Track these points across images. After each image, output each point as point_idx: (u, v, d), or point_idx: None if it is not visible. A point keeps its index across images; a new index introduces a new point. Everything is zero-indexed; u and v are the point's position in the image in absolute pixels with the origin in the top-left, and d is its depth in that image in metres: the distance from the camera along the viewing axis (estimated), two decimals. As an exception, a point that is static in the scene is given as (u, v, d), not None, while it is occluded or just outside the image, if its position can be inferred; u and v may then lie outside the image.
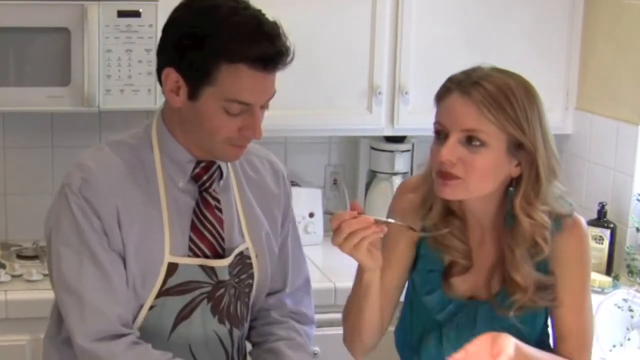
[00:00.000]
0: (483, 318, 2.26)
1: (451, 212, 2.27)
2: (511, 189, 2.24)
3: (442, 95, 2.19)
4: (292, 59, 2.13)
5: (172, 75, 2.13)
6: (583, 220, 2.29)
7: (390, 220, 2.16)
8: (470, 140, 2.13)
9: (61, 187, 2.19)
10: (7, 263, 3.56)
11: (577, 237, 2.26)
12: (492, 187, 2.20)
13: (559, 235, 2.24)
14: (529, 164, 2.17)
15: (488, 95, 2.12)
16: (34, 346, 3.29)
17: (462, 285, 2.29)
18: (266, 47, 2.08)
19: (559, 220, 2.23)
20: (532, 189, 2.18)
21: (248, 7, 2.13)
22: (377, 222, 2.13)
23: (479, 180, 2.16)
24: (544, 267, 2.25)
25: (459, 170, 2.14)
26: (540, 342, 2.32)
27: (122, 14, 3.40)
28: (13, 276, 3.45)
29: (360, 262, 2.20)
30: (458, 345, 2.21)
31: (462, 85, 2.15)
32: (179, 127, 2.21)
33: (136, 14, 3.41)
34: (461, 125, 2.13)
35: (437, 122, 2.19)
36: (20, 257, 3.64)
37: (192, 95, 2.12)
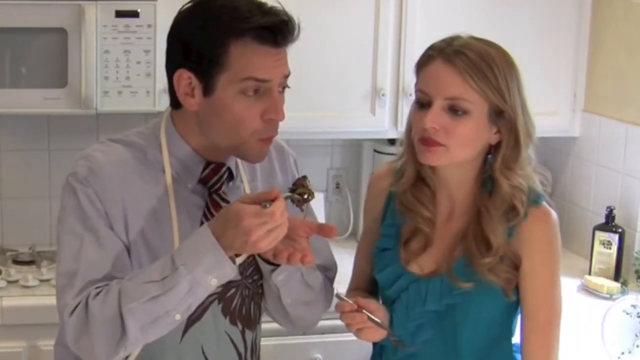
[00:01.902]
0: (432, 294, 2.31)
1: (422, 180, 2.35)
2: (489, 156, 2.31)
3: (424, 63, 2.26)
4: (298, 32, 2.15)
5: (183, 75, 2.14)
6: (553, 212, 2.33)
7: (377, 320, 2.27)
8: (453, 109, 2.21)
9: (66, 179, 2.20)
10: (3, 268, 3.56)
11: (544, 224, 2.30)
12: (472, 154, 2.27)
13: (525, 223, 2.28)
14: (508, 131, 2.25)
15: (471, 64, 2.19)
16: (30, 353, 3.29)
17: (423, 260, 2.34)
18: (270, 18, 2.11)
19: (527, 210, 2.28)
20: (510, 154, 2.27)
21: None
22: (370, 319, 2.26)
23: (461, 146, 2.23)
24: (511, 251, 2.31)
25: (440, 137, 2.21)
26: (494, 329, 2.34)
27: (120, 14, 3.40)
28: (9, 282, 3.45)
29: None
30: (407, 322, 2.32)
31: (444, 53, 2.22)
32: (196, 131, 2.20)
33: (134, 14, 3.41)
34: (445, 93, 2.21)
35: (419, 90, 2.26)
36: (16, 262, 3.64)
37: (207, 89, 2.13)
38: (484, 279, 2.26)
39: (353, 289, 2.50)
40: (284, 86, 2.18)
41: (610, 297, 3.53)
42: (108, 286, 2.09)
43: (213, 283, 2.04)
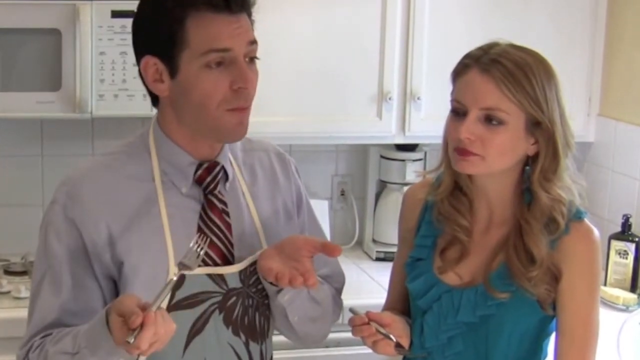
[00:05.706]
0: (466, 305, 2.31)
1: (460, 189, 2.36)
2: (527, 167, 2.32)
3: (460, 72, 2.27)
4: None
5: (149, 61, 2.16)
6: (595, 229, 2.32)
7: (384, 331, 2.28)
8: (489, 118, 2.22)
9: (50, 203, 2.24)
10: (-6, 279, 3.56)
11: (587, 241, 2.30)
12: (509, 164, 2.28)
13: (567, 238, 2.28)
14: (546, 141, 2.26)
15: (507, 73, 2.21)
16: (22, 367, 3.28)
17: (459, 270, 2.34)
18: None
19: (569, 224, 2.28)
20: (549, 165, 2.27)
21: None
22: (378, 331, 2.27)
23: (497, 157, 2.24)
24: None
25: (477, 148, 2.22)
26: (526, 344, 2.33)
27: (116, 14, 3.40)
28: (0, 293, 3.45)
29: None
30: (439, 334, 2.32)
31: (480, 62, 2.23)
32: (176, 124, 2.21)
33: (131, 14, 3.38)
34: (481, 104, 2.22)
35: (455, 100, 2.27)
36: (8, 272, 3.64)
37: (172, 70, 2.14)
38: (524, 289, 2.26)
39: (387, 309, 2.47)
40: (252, 56, 2.17)
41: (626, 308, 3.52)
42: (44, 341, 2.15)
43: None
